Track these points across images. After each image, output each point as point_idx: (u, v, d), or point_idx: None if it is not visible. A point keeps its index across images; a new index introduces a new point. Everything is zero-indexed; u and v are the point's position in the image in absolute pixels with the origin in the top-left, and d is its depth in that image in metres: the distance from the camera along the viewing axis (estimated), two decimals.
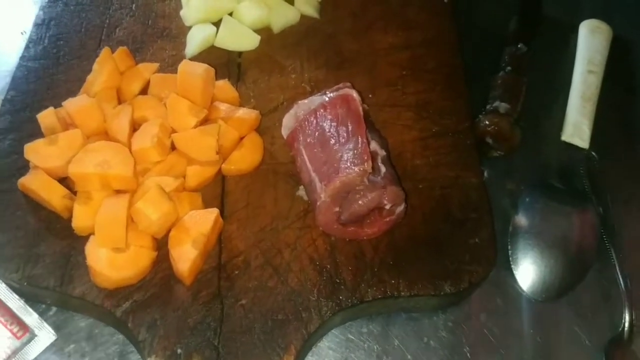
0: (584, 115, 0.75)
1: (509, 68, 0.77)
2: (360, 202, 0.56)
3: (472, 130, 0.70)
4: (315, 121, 0.60)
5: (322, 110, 0.60)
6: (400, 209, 0.58)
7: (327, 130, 0.58)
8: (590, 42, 0.82)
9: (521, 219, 0.67)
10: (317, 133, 0.59)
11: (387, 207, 0.57)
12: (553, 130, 0.76)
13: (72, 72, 0.71)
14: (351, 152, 0.56)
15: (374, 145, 0.58)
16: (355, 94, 0.60)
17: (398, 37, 0.77)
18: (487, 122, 0.71)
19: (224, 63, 0.73)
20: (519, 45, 0.79)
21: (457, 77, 0.74)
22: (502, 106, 0.73)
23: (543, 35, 0.83)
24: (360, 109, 0.59)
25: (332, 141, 0.58)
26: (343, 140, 0.57)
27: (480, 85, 0.76)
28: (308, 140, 0.59)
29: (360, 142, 0.56)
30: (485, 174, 0.68)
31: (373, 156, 0.56)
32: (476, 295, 0.62)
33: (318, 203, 0.57)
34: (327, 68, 0.74)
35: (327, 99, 0.61)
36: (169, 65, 0.72)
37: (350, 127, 0.57)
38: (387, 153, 0.60)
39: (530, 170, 0.72)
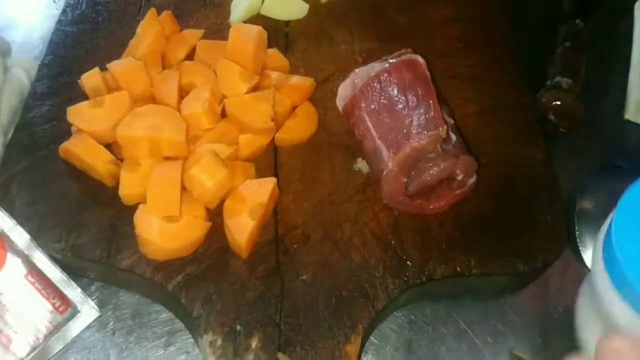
0: None
1: (567, 43, 0.73)
2: (431, 171, 0.52)
3: (533, 106, 0.66)
4: (379, 86, 0.56)
5: (386, 75, 0.56)
6: (472, 180, 0.54)
7: (394, 95, 0.55)
8: None
9: (587, 200, 0.64)
10: (381, 98, 0.55)
11: (459, 177, 0.53)
12: (614, 108, 0.72)
13: (112, 37, 0.67)
14: (423, 117, 0.52)
15: (443, 112, 0.54)
16: (421, 59, 0.56)
17: (448, 11, 0.74)
18: (549, 98, 0.67)
19: (271, 32, 0.68)
20: (576, 21, 0.76)
21: (513, 52, 0.70)
22: (565, 81, 0.69)
23: (596, 14, 0.79)
24: (428, 73, 0.55)
25: (400, 106, 0.54)
26: (413, 105, 0.53)
27: (538, 62, 0.72)
28: (372, 107, 0.55)
29: (432, 106, 0.52)
30: None
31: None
32: (544, 278, 0.58)
33: (384, 172, 0.53)
34: (377, 39, 0.70)
35: (388, 65, 0.57)
36: (213, 34, 0.69)
37: (419, 92, 0.54)
38: (454, 122, 0.57)
39: (593, 149, 0.68)
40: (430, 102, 0.52)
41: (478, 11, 0.73)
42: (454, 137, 0.53)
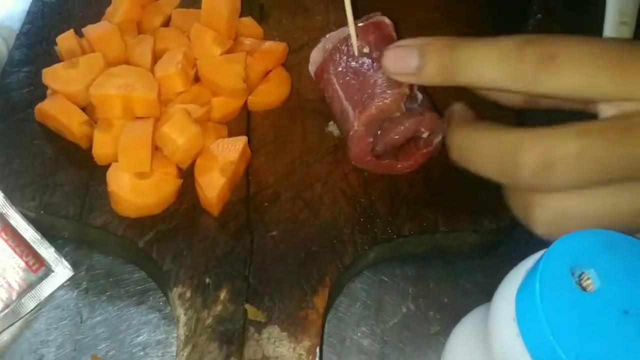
0: None
1: (539, 15, 0.74)
2: (396, 129, 0.53)
3: None
4: (345, 49, 0.56)
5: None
6: (438, 139, 0.55)
7: (360, 57, 0.55)
8: None
9: None
10: (348, 60, 0.56)
11: (425, 135, 0.54)
12: None
13: (89, 7, 0.68)
14: (386, 77, 0.53)
15: None
16: (387, 20, 0.57)
17: None
18: None
19: (246, 3, 0.69)
20: None
21: (490, 23, 0.71)
22: None
23: None
24: (394, 34, 0.56)
25: (366, 67, 0.55)
26: (377, 65, 0.54)
27: (509, 33, 0.73)
28: (339, 69, 0.56)
29: None
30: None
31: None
32: (514, 243, 0.59)
33: (351, 133, 0.54)
34: (356, 9, 0.71)
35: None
36: (190, 4, 0.69)
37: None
38: None
39: (565, 119, 0.69)
40: None
41: None
42: (420, 96, 0.54)
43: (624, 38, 0.72)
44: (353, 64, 0.56)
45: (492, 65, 0.41)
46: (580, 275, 0.35)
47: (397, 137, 0.53)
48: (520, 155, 0.39)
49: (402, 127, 0.53)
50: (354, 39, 0.54)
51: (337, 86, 0.56)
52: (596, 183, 0.39)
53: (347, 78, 0.56)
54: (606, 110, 0.40)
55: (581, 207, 0.40)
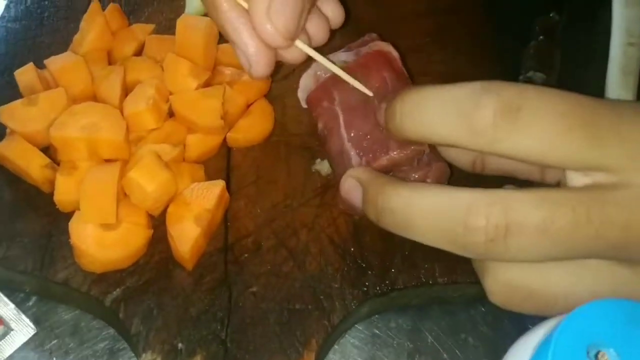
0: (627, 90, 0.68)
1: (541, 37, 0.70)
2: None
3: None
4: (354, 78, 0.50)
5: (361, 68, 0.51)
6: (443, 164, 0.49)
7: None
8: (627, 12, 0.74)
9: None
10: (357, 94, 0.50)
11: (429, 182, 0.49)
12: None
13: (57, 34, 0.63)
14: None
15: None
16: (393, 51, 0.51)
17: (420, 3, 0.70)
18: None
19: None
20: (550, 14, 0.72)
21: (487, 47, 0.67)
22: (538, 76, 0.66)
23: (573, 7, 0.76)
24: (405, 70, 0.51)
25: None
26: None
27: (511, 56, 0.69)
28: (347, 102, 0.50)
29: None
30: None
31: None
32: None
33: None
34: (342, 35, 0.65)
35: (354, 55, 0.52)
36: (166, 30, 0.64)
37: None
38: None
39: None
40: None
41: (453, 2, 0.69)
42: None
43: (609, 99, 0.67)
44: (362, 99, 0.49)
45: (443, 115, 0.35)
46: (597, 354, 0.30)
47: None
48: (473, 220, 0.33)
49: (410, 179, 0.48)
50: (358, 85, 0.48)
51: (341, 121, 0.50)
52: (557, 258, 0.34)
53: (355, 115, 0.49)
54: (575, 178, 0.35)
55: (536, 283, 0.35)
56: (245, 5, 0.40)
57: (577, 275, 0.35)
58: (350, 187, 0.43)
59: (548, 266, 0.35)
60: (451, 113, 0.34)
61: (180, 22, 0.55)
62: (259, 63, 0.41)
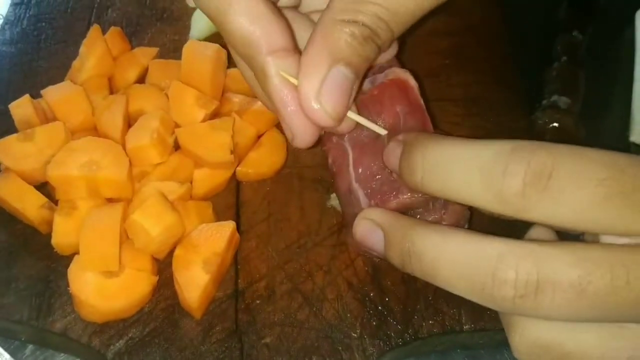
0: None
1: (564, 58, 0.66)
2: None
3: (530, 129, 0.59)
4: (365, 112, 0.46)
5: (373, 102, 0.46)
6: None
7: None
8: None
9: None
10: (368, 130, 0.46)
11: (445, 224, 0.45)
12: (617, 129, 0.65)
13: (55, 58, 0.60)
14: None
15: None
16: (411, 79, 0.47)
17: (437, 23, 0.66)
18: (546, 119, 0.60)
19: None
20: (573, 33, 0.69)
21: (507, 68, 0.63)
22: (562, 100, 0.62)
23: (595, 25, 0.72)
24: (422, 101, 0.47)
25: None
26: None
27: (532, 78, 0.65)
28: (357, 137, 0.46)
29: None
30: None
31: None
32: None
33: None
34: None
35: (370, 83, 0.48)
36: (170, 52, 0.61)
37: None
38: None
39: None
40: (425, 124, 0.45)
41: (472, 22, 0.66)
42: None
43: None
44: (373, 136, 0.46)
45: (469, 179, 0.32)
46: None
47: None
48: (503, 272, 0.30)
49: None
50: (371, 126, 0.44)
51: (350, 158, 0.46)
52: (592, 320, 0.31)
53: (364, 153, 0.45)
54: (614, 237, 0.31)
55: (569, 344, 0.32)
56: (295, 82, 0.37)
57: (614, 338, 0.32)
58: (367, 230, 0.39)
59: (582, 326, 0.32)
60: (477, 178, 0.32)
61: (186, 49, 0.52)
62: (304, 137, 0.40)
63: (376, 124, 0.44)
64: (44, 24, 0.63)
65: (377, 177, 0.44)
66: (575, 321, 0.32)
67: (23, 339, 0.47)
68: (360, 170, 0.45)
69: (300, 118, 0.38)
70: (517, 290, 0.30)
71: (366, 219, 0.39)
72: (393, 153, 0.38)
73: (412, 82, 0.47)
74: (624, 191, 0.29)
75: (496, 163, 0.31)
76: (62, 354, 0.47)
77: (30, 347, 0.48)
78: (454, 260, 0.32)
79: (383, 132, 0.43)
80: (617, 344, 0.32)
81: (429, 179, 0.35)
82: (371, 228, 0.39)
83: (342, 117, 0.38)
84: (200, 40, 0.60)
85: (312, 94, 0.36)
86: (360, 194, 0.44)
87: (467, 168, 0.32)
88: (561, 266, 0.30)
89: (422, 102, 0.46)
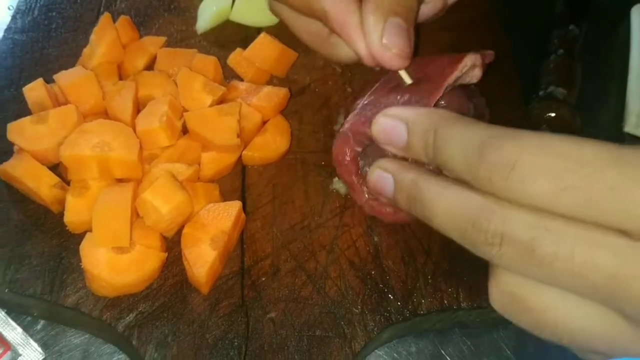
0: None
1: (560, 51, 0.68)
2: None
3: (526, 119, 0.61)
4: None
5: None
6: None
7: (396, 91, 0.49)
8: None
9: None
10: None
11: None
12: (612, 119, 0.67)
13: (65, 46, 0.61)
14: (415, 100, 0.46)
15: None
16: (461, 64, 0.49)
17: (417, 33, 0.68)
18: (543, 109, 0.62)
19: (241, 40, 0.63)
20: (569, 27, 0.70)
21: (505, 61, 0.65)
22: (559, 91, 0.64)
23: (591, 19, 0.74)
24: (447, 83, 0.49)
25: (397, 95, 0.48)
26: (412, 95, 0.47)
27: (529, 70, 0.67)
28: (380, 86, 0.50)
29: (430, 97, 0.46)
30: None
31: None
32: None
33: (338, 130, 0.48)
34: None
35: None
36: (178, 42, 0.63)
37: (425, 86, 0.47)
38: None
39: None
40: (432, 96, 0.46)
41: (469, 16, 0.68)
42: None
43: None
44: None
45: (457, 161, 0.36)
46: None
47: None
48: (479, 223, 0.34)
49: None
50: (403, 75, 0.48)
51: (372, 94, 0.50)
52: (543, 282, 0.34)
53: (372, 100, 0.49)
54: None
55: (532, 299, 0.35)
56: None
57: (574, 307, 0.34)
58: (380, 177, 0.42)
59: (546, 287, 0.34)
60: (462, 160, 0.36)
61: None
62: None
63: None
64: (54, 13, 0.64)
65: (373, 107, 0.47)
66: (533, 279, 0.34)
67: (35, 314, 0.49)
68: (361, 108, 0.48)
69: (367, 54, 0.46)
70: (487, 240, 0.34)
71: (378, 168, 0.42)
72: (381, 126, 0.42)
73: (462, 65, 0.48)
74: (577, 185, 0.31)
75: (476, 148, 0.34)
76: (72, 329, 0.49)
77: (42, 322, 0.49)
78: (448, 208, 0.36)
79: (409, 81, 0.47)
80: (575, 312, 0.34)
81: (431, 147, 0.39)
82: (383, 176, 0.42)
83: (408, 56, 0.46)
84: (205, 32, 0.62)
85: (379, 43, 0.44)
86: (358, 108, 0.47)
87: (458, 147, 0.36)
88: (521, 226, 0.33)
89: (446, 83, 0.48)
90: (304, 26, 0.51)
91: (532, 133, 0.33)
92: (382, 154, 0.44)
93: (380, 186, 0.42)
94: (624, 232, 0.31)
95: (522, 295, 0.35)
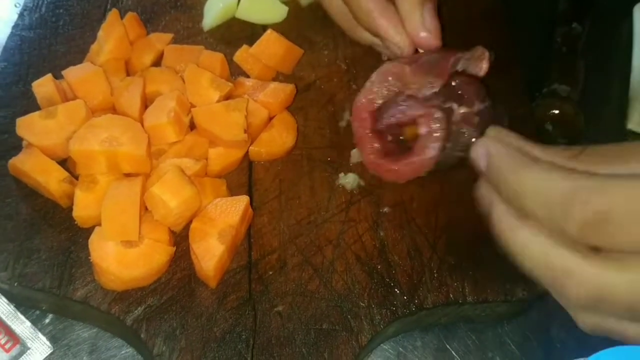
0: None
1: (564, 48, 0.69)
2: (401, 108, 0.49)
3: (529, 116, 0.61)
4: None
5: None
6: (432, 151, 0.48)
7: None
8: None
9: None
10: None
11: (422, 131, 0.48)
12: (615, 117, 0.67)
13: (72, 43, 0.62)
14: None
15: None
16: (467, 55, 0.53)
17: (440, 14, 0.68)
18: (547, 107, 0.63)
19: (247, 37, 0.63)
20: (572, 25, 0.71)
21: (509, 58, 0.65)
22: (562, 89, 0.64)
23: (594, 17, 0.74)
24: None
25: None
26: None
27: (533, 67, 0.67)
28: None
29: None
30: None
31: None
32: (545, 303, 0.53)
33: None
34: (363, 45, 0.65)
35: None
36: (184, 39, 0.63)
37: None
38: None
39: None
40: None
41: (473, 14, 0.68)
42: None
43: None
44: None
45: (539, 213, 0.36)
46: None
47: (399, 115, 0.50)
48: (573, 205, 0.33)
49: (409, 107, 0.49)
50: None
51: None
52: None
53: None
54: None
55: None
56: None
57: None
58: (481, 154, 0.41)
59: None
60: (544, 213, 0.35)
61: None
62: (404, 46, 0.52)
63: None
64: (61, 10, 0.65)
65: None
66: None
67: (44, 308, 0.49)
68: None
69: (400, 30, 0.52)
70: (585, 219, 0.33)
71: (482, 144, 0.41)
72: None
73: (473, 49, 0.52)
74: None
75: (561, 204, 0.34)
76: (80, 323, 0.49)
77: (50, 316, 0.50)
78: (539, 188, 0.36)
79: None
80: None
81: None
82: (484, 153, 0.41)
83: (440, 37, 0.52)
84: (212, 29, 0.63)
85: (420, 27, 0.51)
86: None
87: (539, 200, 0.35)
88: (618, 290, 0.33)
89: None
90: (340, 9, 0.55)
91: (618, 181, 0.33)
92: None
93: (477, 154, 0.42)
94: None
95: (611, 327, 0.36)
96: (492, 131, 0.43)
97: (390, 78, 0.50)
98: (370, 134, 0.51)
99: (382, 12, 0.51)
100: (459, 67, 0.51)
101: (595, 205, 0.32)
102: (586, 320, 0.36)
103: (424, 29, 0.50)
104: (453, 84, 0.50)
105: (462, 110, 0.49)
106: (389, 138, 0.51)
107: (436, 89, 0.49)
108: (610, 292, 0.33)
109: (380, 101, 0.50)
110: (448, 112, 0.49)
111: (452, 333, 0.51)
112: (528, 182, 0.36)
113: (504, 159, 0.38)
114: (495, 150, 0.40)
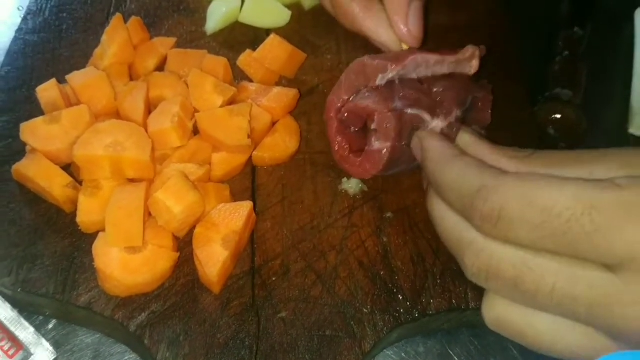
0: None
1: (566, 53, 0.69)
2: (361, 100, 0.49)
3: (532, 120, 0.61)
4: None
5: None
6: (383, 148, 0.48)
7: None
8: None
9: None
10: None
11: (372, 126, 0.48)
12: (617, 121, 0.67)
13: (76, 47, 0.62)
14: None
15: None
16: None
17: (442, 17, 0.69)
18: (549, 111, 0.63)
19: (250, 41, 0.64)
20: (574, 29, 0.71)
21: (511, 62, 0.65)
22: (564, 93, 0.64)
23: (596, 22, 0.75)
24: None
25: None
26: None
27: (535, 72, 0.67)
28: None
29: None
30: None
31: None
32: None
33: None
34: (366, 49, 0.64)
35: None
36: (187, 43, 0.63)
37: None
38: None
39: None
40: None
41: (475, 18, 0.68)
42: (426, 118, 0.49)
43: None
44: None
45: (455, 204, 0.41)
46: None
47: (362, 103, 0.49)
48: (477, 200, 0.38)
49: (367, 103, 0.48)
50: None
51: None
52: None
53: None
54: None
55: (522, 325, 0.39)
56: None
57: (561, 330, 0.37)
58: (416, 147, 0.47)
59: (534, 313, 0.38)
60: (460, 203, 0.40)
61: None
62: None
63: None
64: (65, 14, 0.65)
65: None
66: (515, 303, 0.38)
67: (48, 314, 0.49)
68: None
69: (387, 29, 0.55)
70: (474, 273, 0.39)
71: (417, 137, 0.47)
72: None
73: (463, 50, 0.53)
74: (556, 233, 0.34)
75: (469, 197, 0.38)
76: (84, 329, 0.49)
77: (54, 322, 0.50)
78: (453, 180, 0.40)
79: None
80: (563, 336, 0.37)
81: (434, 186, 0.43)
82: (419, 145, 0.46)
83: (422, 37, 0.54)
84: (215, 33, 0.63)
85: (404, 23, 0.53)
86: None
87: (455, 193, 0.40)
88: (506, 265, 0.37)
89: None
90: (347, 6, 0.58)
91: (516, 181, 0.36)
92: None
93: (416, 148, 0.47)
94: (604, 265, 0.34)
95: (513, 321, 0.39)
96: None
97: (352, 75, 0.50)
98: (336, 130, 0.51)
99: (367, 14, 0.55)
100: (446, 70, 0.51)
101: (491, 202, 0.36)
102: (490, 311, 0.39)
103: (407, 27, 0.53)
104: (434, 90, 0.49)
105: (436, 121, 0.49)
106: (353, 130, 0.52)
107: (390, 75, 0.49)
108: (497, 262, 0.37)
109: (346, 97, 0.51)
110: (401, 113, 0.48)
111: (454, 339, 0.51)
112: (446, 176, 0.41)
113: (431, 153, 0.43)
114: (427, 144, 0.44)
